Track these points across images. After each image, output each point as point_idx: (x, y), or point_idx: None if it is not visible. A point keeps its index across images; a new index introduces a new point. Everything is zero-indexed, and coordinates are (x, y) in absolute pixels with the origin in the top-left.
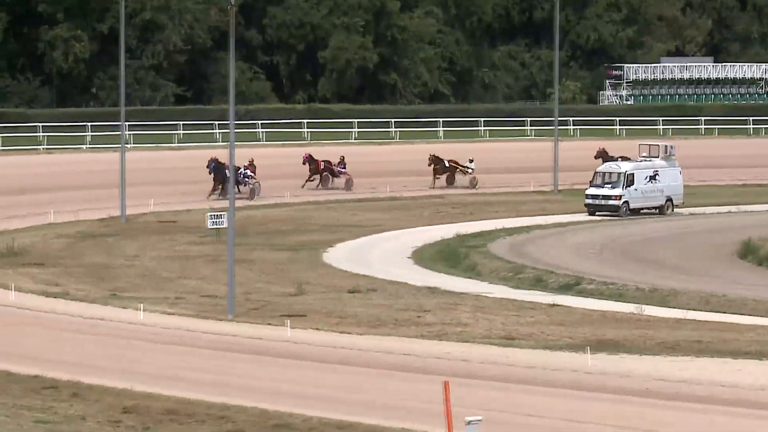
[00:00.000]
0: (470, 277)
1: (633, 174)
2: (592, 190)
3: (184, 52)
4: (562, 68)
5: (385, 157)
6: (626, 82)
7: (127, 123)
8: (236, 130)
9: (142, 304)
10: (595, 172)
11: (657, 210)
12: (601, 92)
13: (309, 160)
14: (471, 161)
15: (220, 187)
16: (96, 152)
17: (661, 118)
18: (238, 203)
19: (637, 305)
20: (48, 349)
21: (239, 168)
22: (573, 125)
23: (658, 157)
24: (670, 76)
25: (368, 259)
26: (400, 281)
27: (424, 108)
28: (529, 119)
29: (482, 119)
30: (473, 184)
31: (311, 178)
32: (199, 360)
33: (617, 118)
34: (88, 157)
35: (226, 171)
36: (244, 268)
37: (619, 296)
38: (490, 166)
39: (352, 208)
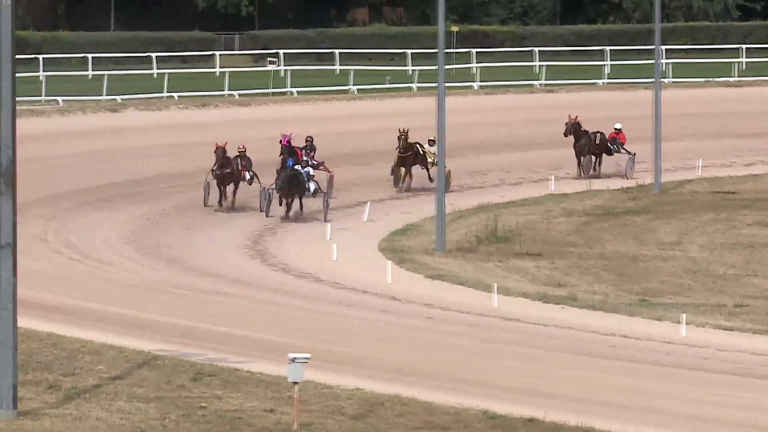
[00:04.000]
0: None
1: None
2: None
3: None
4: None
5: None
6: None
7: (663, 47)
8: None
9: (684, 315)
10: None
11: None
12: None
13: (288, 149)
14: (432, 142)
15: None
16: (618, 89)
17: None
18: None
19: None
20: (541, 381)
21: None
22: None
23: None
24: None
25: None
26: None
27: None
28: None
29: None
30: (448, 182)
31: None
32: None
33: None
34: (606, 97)
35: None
36: None
37: None
38: None
39: None
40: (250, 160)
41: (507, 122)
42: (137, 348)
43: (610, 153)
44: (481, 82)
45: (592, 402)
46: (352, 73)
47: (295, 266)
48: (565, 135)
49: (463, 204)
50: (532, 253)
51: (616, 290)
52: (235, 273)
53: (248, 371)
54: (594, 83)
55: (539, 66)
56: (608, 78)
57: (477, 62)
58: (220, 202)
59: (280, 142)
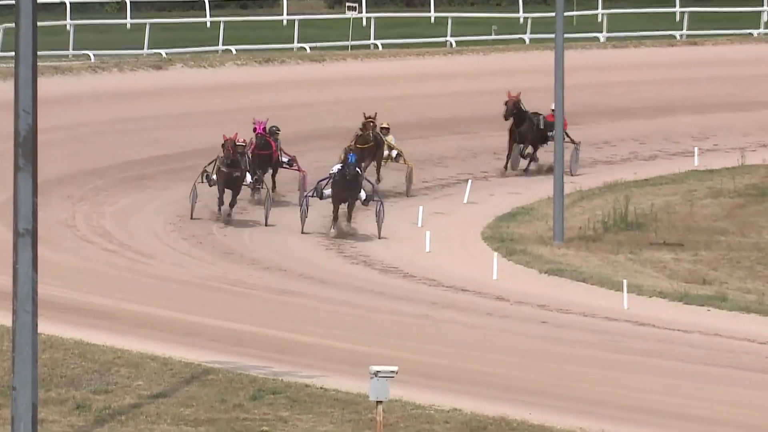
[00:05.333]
0: None
1: None
2: None
3: None
4: None
5: None
6: None
7: None
8: None
9: None
10: None
11: None
12: None
13: (261, 139)
14: (385, 131)
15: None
16: None
17: None
18: None
19: None
20: (682, 400)
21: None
22: None
23: None
24: None
25: None
26: None
27: None
28: None
29: None
30: (409, 178)
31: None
32: None
33: None
34: (763, 51)
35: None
36: None
37: None
38: None
39: None
40: (249, 157)
41: (640, 82)
42: (185, 359)
43: (546, 141)
44: (608, 32)
45: (745, 426)
46: (449, 21)
47: (379, 259)
48: (506, 118)
49: (586, 183)
50: (671, 243)
51: None
52: (306, 267)
53: (321, 387)
54: (748, 34)
55: (680, 13)
56: (766, 27)
57: (603, 8)
58: (223, 212)
59: (254, 129)
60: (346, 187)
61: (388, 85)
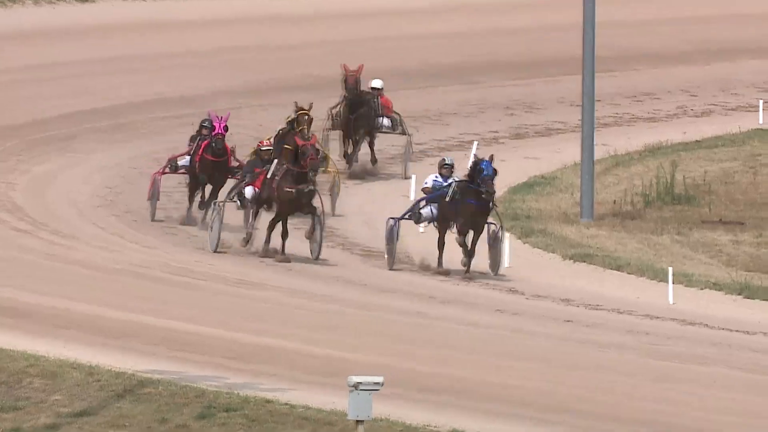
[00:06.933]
0: None
1: None
2: None
3: None
4: None
5: None
6: None
7: None
8: None
9: None
10: None
11: None
12: None
13: (220, 142)
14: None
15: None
16: None
17: None
18: None
19: None
20: (747, 419)
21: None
22: None
23: None
24: None
25: None
26: None
27: None
28: None
29: None
30: (335, 190)
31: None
32: None
33: None
34: None
35: None
36: None
37: None
38: None
39: None
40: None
41: (692, 18)
42: (115, 368)
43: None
44: None
45: None
46: None
47: (363, 242)
48: (351, 101)
49: (621, 144)
50: (729, 221)
51: None
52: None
53: (287, 404)
54: None
55: None
56: None
57: None
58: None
59: (213, 128)
60: (478, 211)
61: (374, 23)
